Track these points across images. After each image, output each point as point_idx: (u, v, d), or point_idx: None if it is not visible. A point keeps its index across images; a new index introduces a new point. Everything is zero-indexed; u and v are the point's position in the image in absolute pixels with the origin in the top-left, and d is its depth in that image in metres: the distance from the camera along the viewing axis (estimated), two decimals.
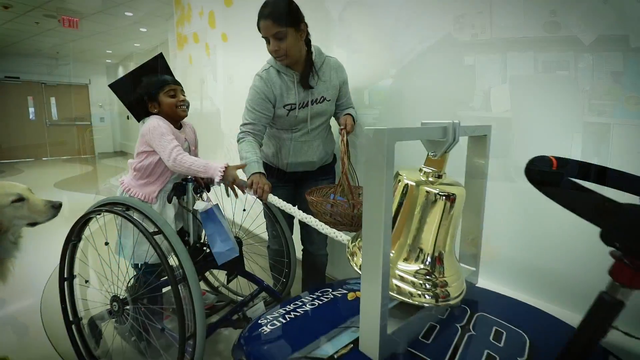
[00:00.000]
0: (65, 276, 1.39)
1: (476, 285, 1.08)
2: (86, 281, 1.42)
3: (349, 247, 0.97)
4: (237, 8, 2.74)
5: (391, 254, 0.84)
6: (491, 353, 0.79)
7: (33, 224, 1.36)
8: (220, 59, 3.16)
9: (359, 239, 0.95)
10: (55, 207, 1.36)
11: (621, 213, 0.52)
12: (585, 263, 1.10)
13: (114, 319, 1.37)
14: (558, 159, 0.61)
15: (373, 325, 0.71)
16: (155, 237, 1.13)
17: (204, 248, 1.44)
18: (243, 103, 1.48)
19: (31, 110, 9.05)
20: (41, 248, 2.07)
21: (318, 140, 1.57)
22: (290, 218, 1.71)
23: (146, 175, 1.38)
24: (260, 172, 1.31)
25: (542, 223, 1.20)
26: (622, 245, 0.52)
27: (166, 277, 1.13)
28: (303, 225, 1.67)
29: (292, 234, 1.70)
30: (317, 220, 1.10)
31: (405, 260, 0.84)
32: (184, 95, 1.44)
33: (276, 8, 1.29)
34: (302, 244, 1.76)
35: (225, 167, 1.25)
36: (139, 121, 1.47)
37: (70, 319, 1.42)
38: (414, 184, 0.84)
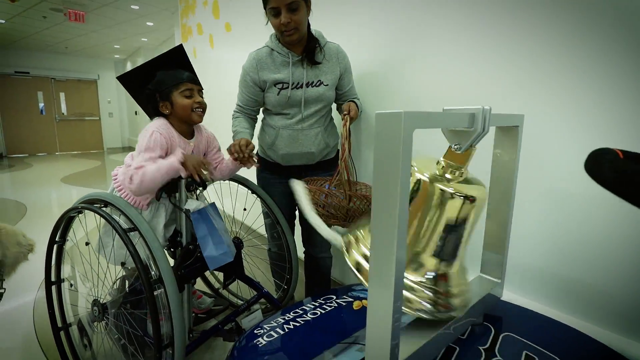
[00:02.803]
0: (53, 280, 1.31)
1: (500, 298, 0.95)
2: (71, 285, 1.32)
3: (344, 237, 0.84)
4: None
5: None
6: None
7: None
8: (224, 50, 3.05)
9: (359, 229, 0.82)
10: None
11: None
12: (626, 276, 0.96)
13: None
14: (624, 152, 0.48)
15: (382, 347, 0.58)
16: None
17: (198, 250, 1.33)
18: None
19: (41, 105, 9.13)
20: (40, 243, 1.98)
21: (317, 129, 1.43)
22: (291, 218, 1.58)
23: None
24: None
25: (573, 228, 1.05)
26: None
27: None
28: (303, 226, 1.55)
29: (294, 235, 1.58)
30: (321, 222, 0.96)
31: (408, 264, 0.72)
32: (202, 97, 1.27)
33: None
34: (303, 245, 1.63)
35: (183, 156, 1.15)
36: (151, 119, 1.30)
37: (59, 325, 1.34)
38: (427, 179, 0.71)
